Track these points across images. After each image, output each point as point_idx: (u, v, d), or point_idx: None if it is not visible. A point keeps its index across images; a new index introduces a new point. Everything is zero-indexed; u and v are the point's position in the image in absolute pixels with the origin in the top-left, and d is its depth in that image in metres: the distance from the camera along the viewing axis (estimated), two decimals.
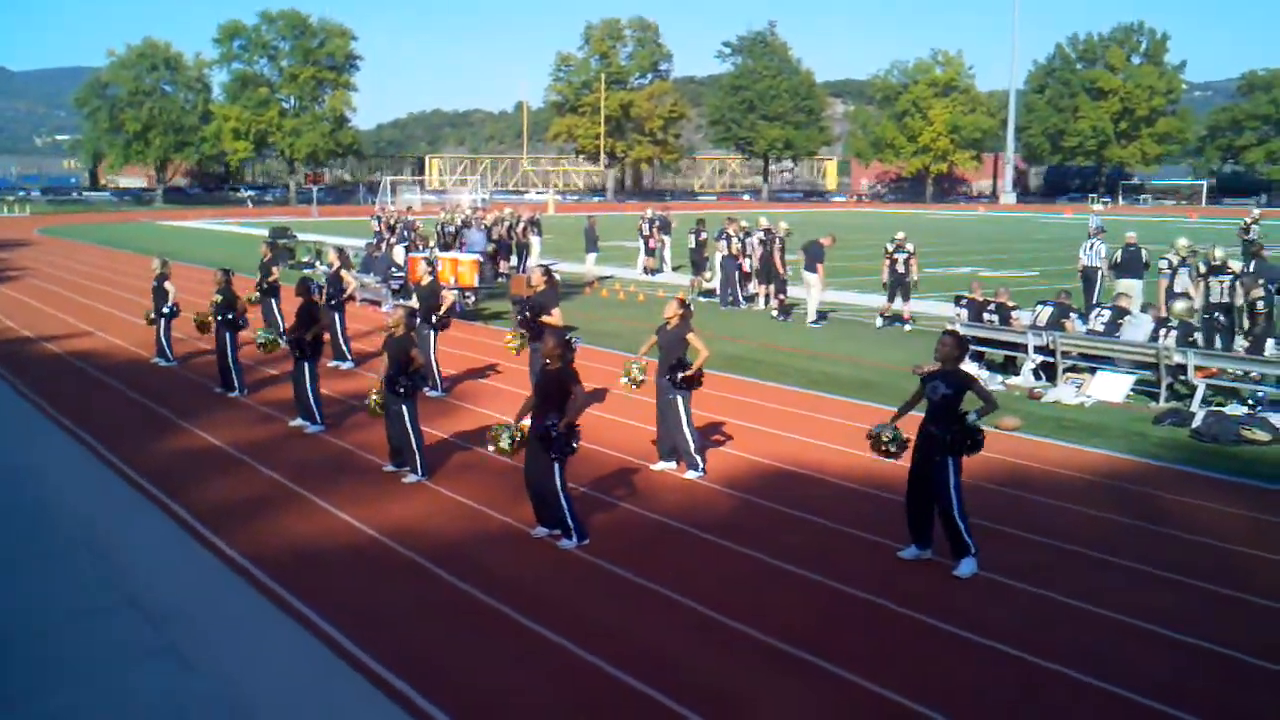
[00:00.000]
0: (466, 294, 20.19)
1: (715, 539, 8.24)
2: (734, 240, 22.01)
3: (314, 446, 11.01)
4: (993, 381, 13.76)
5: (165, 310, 14.98)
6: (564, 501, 7.98)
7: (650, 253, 28.42)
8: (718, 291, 22.68)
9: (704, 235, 24.62)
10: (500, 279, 24.15)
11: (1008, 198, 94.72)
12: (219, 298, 13.28)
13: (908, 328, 18.75)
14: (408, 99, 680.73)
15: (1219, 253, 15.74)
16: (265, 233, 34.05)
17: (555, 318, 11.57)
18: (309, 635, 6.54)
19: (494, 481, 9.66)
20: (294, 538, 8.25)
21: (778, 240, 21.00)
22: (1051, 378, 13.83)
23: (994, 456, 9.58)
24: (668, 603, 7.06)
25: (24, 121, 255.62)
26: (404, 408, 9.45)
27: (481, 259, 21.65)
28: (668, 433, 9.87)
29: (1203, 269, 15.93)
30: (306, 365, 11.36)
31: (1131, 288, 17.27)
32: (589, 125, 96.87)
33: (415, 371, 9.55)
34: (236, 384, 13.34)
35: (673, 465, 9.99)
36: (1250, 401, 12.33)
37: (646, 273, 28.19)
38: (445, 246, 26.31)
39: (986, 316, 15.18)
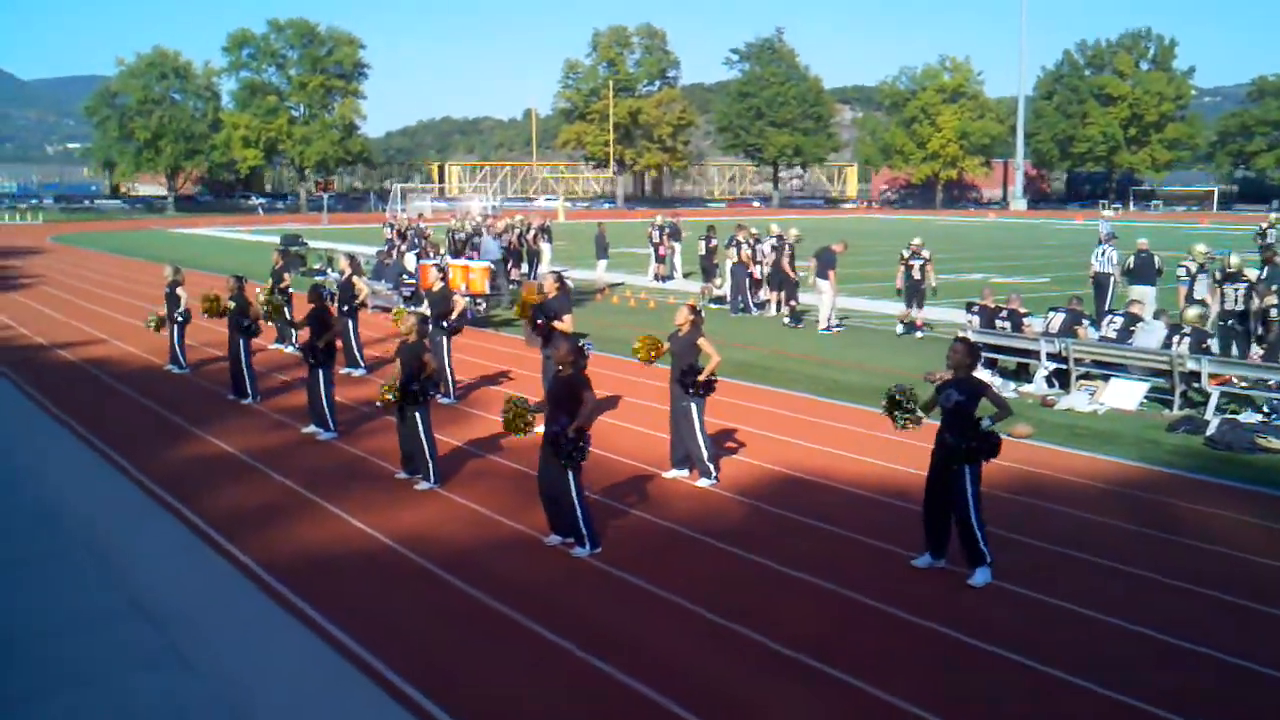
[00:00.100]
0: (478, 300, 20.27)
1: (726, 546, 8.23)
2: (744, 247, 22.04)
3: (326, 453, 11.03)
4: (1006, 389, 13.71)
5: (178, 317, 15.07)
6: (579, 509, 7.98)
7: (661, 260, 28.45)
8: (728, 298, 22.69)
9: (714, 242, 24.63)
10: (512, 286, 24.19)
11: (1018, 204, 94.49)
12: (232, 304, 13.34)
13: (920, 334, 18.73)
14: (418, 106, 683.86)
15: (1234, 259, 15.68)
16: (276, 240, 34.18)
17: (567, 323, 11.57)
18: (320, 641, 6.54)
19: (506, 488, 9.67)
20: (306, 544, 8.27)
21: (788, 247, 21.01)
22: (1065, 385, 13.78)
23: (1007, 464, 9.55)
24: (679, 610, 7.05)
25: (35, 130, 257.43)
26: (417, 414, 9.46)
27: (493, 267, 21.70)
28: (681, 440, 9.86)
29: (1219, 276, 15.88)
30: (322, 372, 11.38)
31: (1144, 294, 17.18)
32: (598, 132, 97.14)
33: (428, 377, 9.56)
34: (250, 391, 13.40)
35: (685, 472, 9.97)
36: (1265, 409, 12.26)
37: (657, 279, 28.22)
38: (456, 253, 26.36)
39: (999, 323, 15.13)
